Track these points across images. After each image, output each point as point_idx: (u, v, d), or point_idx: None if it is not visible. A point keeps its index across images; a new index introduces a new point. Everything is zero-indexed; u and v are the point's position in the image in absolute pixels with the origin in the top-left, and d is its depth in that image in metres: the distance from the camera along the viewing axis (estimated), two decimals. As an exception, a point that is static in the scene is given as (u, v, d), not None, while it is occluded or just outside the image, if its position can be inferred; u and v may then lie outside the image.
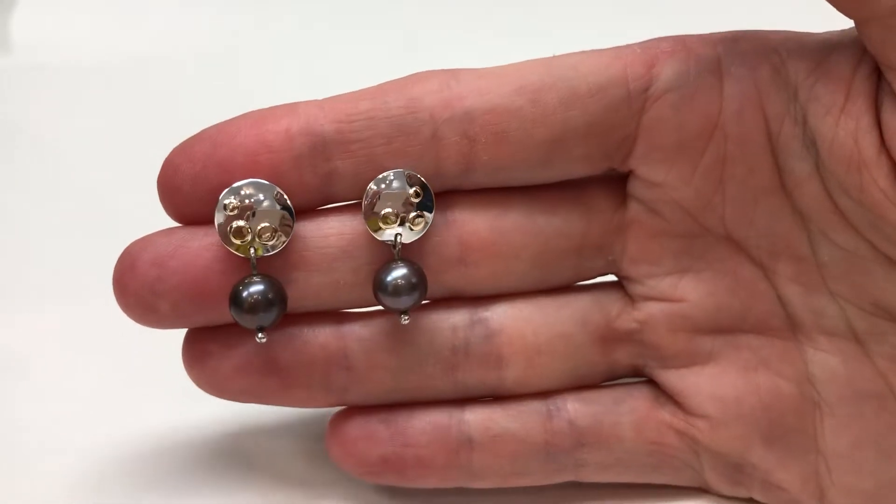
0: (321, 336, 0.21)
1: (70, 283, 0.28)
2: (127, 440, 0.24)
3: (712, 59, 0.20)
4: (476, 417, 0.21)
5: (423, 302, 0.20)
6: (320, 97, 0.20)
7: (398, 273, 0.20)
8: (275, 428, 0.24)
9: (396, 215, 0.20)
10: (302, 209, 0.20)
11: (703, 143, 0.20)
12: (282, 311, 0.19)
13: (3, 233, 0.31)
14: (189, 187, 0.19)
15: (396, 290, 0.19)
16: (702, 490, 0.22)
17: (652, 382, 0.22)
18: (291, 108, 0.20)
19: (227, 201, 0.19)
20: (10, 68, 0.40)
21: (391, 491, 0.22)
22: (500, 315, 0.21)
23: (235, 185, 0.19)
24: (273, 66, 0.38)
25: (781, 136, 0.19)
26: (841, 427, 0.20)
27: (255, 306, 0.19)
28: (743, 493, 0.22)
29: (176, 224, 0.20)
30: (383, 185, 0.20)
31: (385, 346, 0.21)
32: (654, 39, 0.21)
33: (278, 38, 0.41)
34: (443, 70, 0.20)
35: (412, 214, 0.20)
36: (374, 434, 0.21)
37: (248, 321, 0.19)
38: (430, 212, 0.20)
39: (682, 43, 0.20)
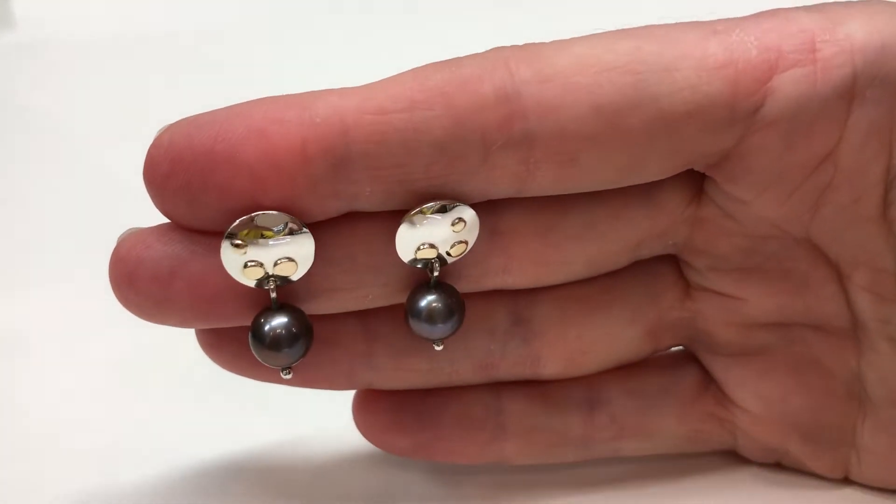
0: (346, 336, 0.19)
1: (75, 262, 0.28)
2: (132, 422, 0.23)
3: (846, 76, 0.16)
4: (513, 408, 0.20)
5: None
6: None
7: (432, 299, 0.17)
8: (290, 407, 0.23)
9: (432, 245, 0.17)
10: (321, 225, 0.17)
11: (807, 173, 0.17)
12: (308, 345, 0.17)
13: (6, 210, 0.31)
14: (182, 200, 0.16)
15: (431, 318, 0.18)
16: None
17: (699, 364, 0.21)
18: (306, 107, 0.16)
19: (234, 242, 0.16)
20: (13, 44, 0.39)
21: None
22: (544, 317, 0.19)
23: (240, 221, 0.16)
24: (282, 39, 0.37)
25: None
26: (881, 429, 0.20)
27: (278, 341, 0.17)
28: (770, 461, 0.21)
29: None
30: (417, 217, 0.16)
31: (416, 350, 0.19)
32: (774, 27, 0.16)
33: (287, 11, 0.40)
34: (498, 60, 0.16)
35: (452, 242, 0.17)
36: (404, 424, 0.20)
37: (271, 359, 0.17)
38: (473, 237, 0.17)
39: (810, 45, 0.16)
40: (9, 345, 0.26)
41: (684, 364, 0.21)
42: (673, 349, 0.21)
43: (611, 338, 0.20)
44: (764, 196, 0.17)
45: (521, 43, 0.17)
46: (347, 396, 0.21)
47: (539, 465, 0.21)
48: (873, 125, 0.16)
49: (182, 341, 0.20)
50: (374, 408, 0.20)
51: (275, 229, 0.16)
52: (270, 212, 0.16)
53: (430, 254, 0.17)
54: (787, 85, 0.16)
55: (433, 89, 0.16)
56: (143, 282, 0.17)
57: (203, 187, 0.16)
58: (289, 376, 0.18)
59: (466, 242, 0.17)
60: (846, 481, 0.20)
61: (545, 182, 0.17)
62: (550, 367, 0.20)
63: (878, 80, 0.16)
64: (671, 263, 0.20)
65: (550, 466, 0.21)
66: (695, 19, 0.17)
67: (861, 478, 0.20)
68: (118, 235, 0.17)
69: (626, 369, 0.20)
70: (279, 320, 0.17)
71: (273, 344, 0.17)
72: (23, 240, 0.30)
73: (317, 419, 0.23)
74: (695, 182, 0.18)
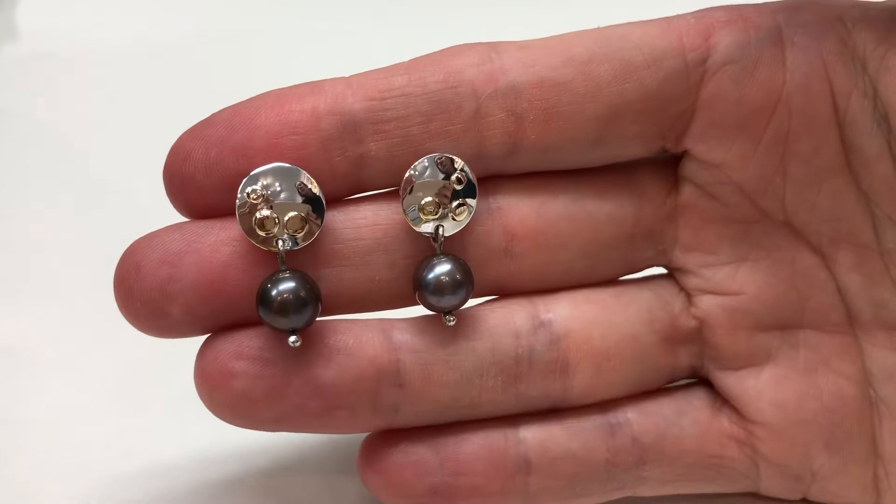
0: (369, 348, 0.18)
1: (76, 277, 0.28)
2: (131, 435, 0.23)
3: (772, 28, 0.18)
4: (534, 436, 0.19)
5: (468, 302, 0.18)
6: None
7: (441, 269, 0.18)
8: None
9: (437, 205, 0.18)
10: (331, 198, 0.18)
11: (765, 118, 0.19)
12: (316, 311, 0.17)
13: (7, 223, 0.31)
14: (202, 176, 0.17)
15: (440, 289, 0.18)
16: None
17: (709, 385, 0.21)
18: (316, 85, 0.18)
19: (249, 189, 0.17)
20: (17, 56, 0.39)
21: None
22: (564, 317, 0.19)
23: (257, 171, 0.17)
24: (286, 50, 0.37)
25: (849, 112, 0.18)
26: None
27: (285, 305, 0.17)
28: (797, 497, 0.20)
29: (184, 219, 0.18)
30: (420, 172, 0.18)
31: (442, 357, 0.18)
32: (706, 9, 0.19)
33: (291, 21, 0.40)
34: (481, 42, 0.19)
35: (454, 204, 0.18)
36: (422, 462, 0.19)
37: (279, 322, 0.17)
38: (474, 200, 0.18)
39: (737, 12, 0.19)
40: (8, 359, 0.25)
41: (694, 388, 0.21)
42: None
43: (633, 342, 0.20)
44: (732, 151, 0.19)
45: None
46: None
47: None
48: (810, 67, 0.18)
49: (180, 355, 0.19)
50: (387, 449, 0.19)
51: (288, 184, 0.17)
52: (286, 165, 0.17)
53: (433, 209, 0.18)
54: (725, 38, 0.18)
55: (426, 60, 0.18)
56: (150, 265, 0.17)
57: (222, 154, 0.17)
58: (297, 342, 0.17)
59: (468, 206, 0.18)
60: None
61: (533, 138, 0.18)
62: (580, 375, 0.19)
63: (801, 28, 0.18)
64: (670, 278, 0.21)
65: None
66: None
67: (893, 499, 0.19)
68: (122, 249, 0.17)
69: (640, 395, 0.20)
70: (287, 285, 0.17)
71: (280, 308, 0.17)
72: (23, 253, 0.29)
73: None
74: (670, 171, 0.20)
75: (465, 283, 0.18)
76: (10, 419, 0.23)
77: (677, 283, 0.20)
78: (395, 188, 0.18)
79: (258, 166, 0.17)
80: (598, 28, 0.19)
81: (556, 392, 0.19)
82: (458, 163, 0.18)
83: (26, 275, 0.28)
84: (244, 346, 0.17)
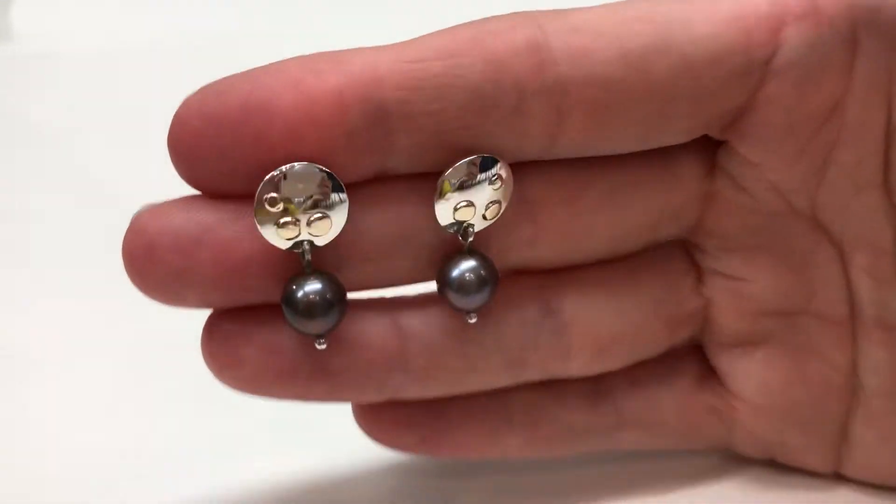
0: (378, 337, 0.18)
1: (74, 278, 0.28)
2: (132, 437, 0.22)
3: (848, 26, 0.17)
4: (520, 400, 0.20)
5: None
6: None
7: (466, 267, 0.17)
8: (292, 423, 0.22)
9: (470, 203, 0.17)
10: (353, 185, 0.16)
11: (817, 125, 0.17)
12: (342, 314, 0.17)
13: (5, 224, 0.31)
14: (212, 156, 0.15)
15: (464, 288, 0.17)
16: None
17: (700, 354, 0.21)
18: (341, 61, 0.16)
19: (267, 196, 0.15)
20: (12, 56, 0.39)
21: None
22: (572, 307, 0.19)
23: (275, 173, 0.15)
24: (285, 50, 0.37)
25: None
26: (871, 420, 0.20)
27: (311, 308, 0.16)
28: (764, 458, 0.21)
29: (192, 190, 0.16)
30: (456, 176, 0.16)
31: (449, 347, 0.18)
32: None
33: (288, 21, 0.40)
34: (527, 17, 0.16)
35: (487, 202, 0.17)
36: (412, 419, 0.19)
37: (305, 326, 0.16)
38: (507, 198, 0.17)
39: (813, 3, 0.17)
40: (10, 360, 0.25)
41: (683, 358, 0.21)
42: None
43: (636, 329, 0.20)
44: (775, 155, 0.18)
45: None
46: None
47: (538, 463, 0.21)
48: (873, 77, 0.17)
49: (182, 357, 0.19)
50: (381, 407, 0.19)
51: (309, 182, 0.15)
52: (304, 163, 0.15)
53: (467, 214, 0.17)
54: (796, 35, 0.17)
55: (467, 40, 0.16)
56: (164, 252, 0.16)
57: (236, 140, 0.15)
58: (323, 346, 0.17)
59: (500, 203, 0.17)
60: (837, 477, 0.21)
61: (575, 135, 0.17)
62: (579, 360, 0.19)
63: (875, 32, 0.17)
64: (683, 249, 0.20)
65: (548, 478, 0.21)
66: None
67: (851, 472, 0.20)
68: (119, 248, 0.17)
69: (631, 365, 0.21)
70: (313, 286, 0.16)
71: (306, 311, 0.16)
72: (20, 255, 0.29)
73: (323, 435, 0.22)
74: (709, 155, 0.19)
75: (489, 280, 0.17)
76: (10, 419, 0.23)
77: (691, 257, 0.20)
78: (422, 173, 0.17)
79: (275, 156, 0.15)
80: (656, 6, 0.17)
81: (555, 372, 0.20)
82: (499, 166, 0.17)
83: (24, 275, 0.28)
84: (253, 332, 0.17)
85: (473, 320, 0.18)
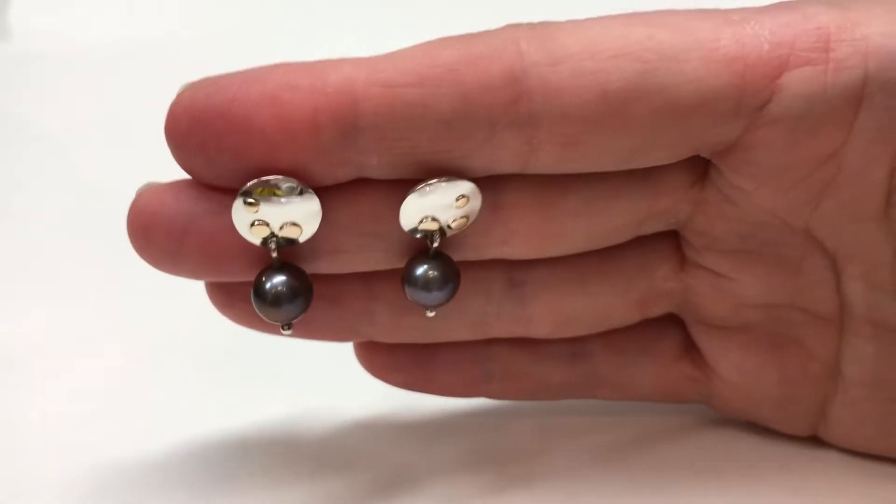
0: (349, 296, 0.19)
1: (71, 278, 0.28)
2: (131, 439, 0.23)
3: (857, 79, 0.16)
4: (500, 357, 0.21)
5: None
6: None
7: (428, 267, 0.18)
8: (286, 421, 0.23)
9: (434, 218, 0.17)
10: (329, 188, 0.17)
11: (810, 168, 0.17)
12: (307, 303, 0.18)
13: (2, 223, 0.31)
14: (199, 154, 0.16)
15: (426, 286, 0.18)
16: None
17: (682, 328, 0.21)
18: (319, 76, 0.16)
19: (243, 200, 0.16)
20: (10, 55, 0.39)
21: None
22: (538, 284, 0.20)
23: (251, 184, 0.16)
24: (279, 46, 0.37)
25: None
26: (848, 405, 0.20)
27: (278, 298, 0.18)
28: (741, 420, 0.22)
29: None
30: (425, 193, 0.17)
31: (412, 311, 0.19)
32: (790, 24, 0.16)
33: (283, 18, 0.40)
34: (512, 38, 0.16)
35: (451, 220, 0.17)
36: (401, 365, 0.21)
37: (271, 315, 0.18)
38: (475, 212, 0.17)
39: (825, 44, 0.16)
40: (10, 361, 0.25)
41: (667, 328, 0.21)
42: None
43: (602, 307, 0.20)
44: (766, 188, 0.17)
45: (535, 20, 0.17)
46: (356, 370, 0.22)
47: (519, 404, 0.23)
48: (880, 130, 0.16)
49: (179, 355, 0.19)
50: (374, 348, 0.21)
51: (284, 187, 0.16)
52: (280, 177, 0.16)
53: (431, 226, 0.17)
54: (796, 83, 0.16)
55: (443, 66, 0.16)
56: (157, 235, 0.17)
57: (218, 148, 0.16)
58: (289, 332, 0.18)
59: (468, 217, 0.18)
60: (815, 439, 0.21)
61: (548, 160, 0.17)
62: (541, 328, 0.20)
63: (889, 85, 0.16)
64: (670, 237, 0.20)
65: (546, 448, 0.22)
66: (713, 7, 0.17)
67: (827, 439, 0.21)
68: (117, 248, 0.17)
69: (610, 330, 0.21)
70: (280, 278, 0.18)
71: (274, 300, 0.18)
72: (16, 256, 0.29)
73: (325, 391, 0.23)
74: (699, 167, 0.18)
75: (450, 282, 0.18)
76: (8, 419, 0.23)
77: (678, 246, 0.20)
78: (396, 180, 0.17)
79: (254, 164, 0.16)
80: (652, 36, 0.16)
81: (520, 332, 0.21)
82: (466, 187, 0.17)
83: (22, 275, 0.28)
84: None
85: (432, 314, 0.19)
